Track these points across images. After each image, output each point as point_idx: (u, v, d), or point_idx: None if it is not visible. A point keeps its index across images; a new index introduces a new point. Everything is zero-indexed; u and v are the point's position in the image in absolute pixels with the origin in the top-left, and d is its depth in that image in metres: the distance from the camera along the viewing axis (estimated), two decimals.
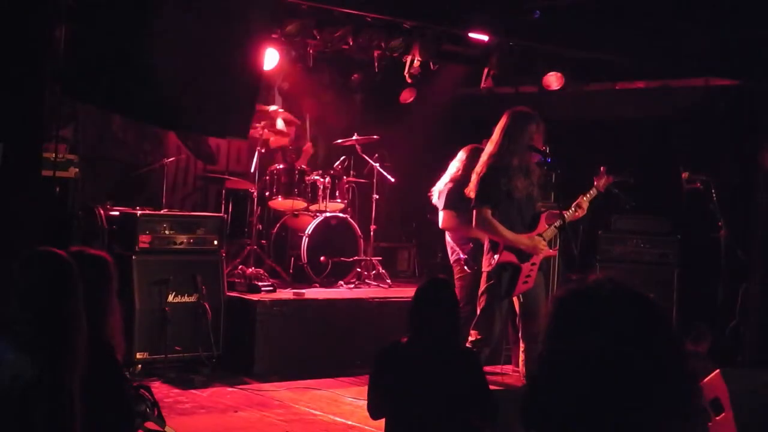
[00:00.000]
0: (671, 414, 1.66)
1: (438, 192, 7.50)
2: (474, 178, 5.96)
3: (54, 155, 6.87)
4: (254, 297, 7.53)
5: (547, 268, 6.19)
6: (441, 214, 7.45)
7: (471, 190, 5.96)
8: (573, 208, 6.05)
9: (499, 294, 5.87)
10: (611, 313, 1.72)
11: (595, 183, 6.15)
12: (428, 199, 7.67)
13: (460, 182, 6.92)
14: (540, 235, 5.93)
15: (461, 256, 7.41)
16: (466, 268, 7.33)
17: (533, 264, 5.89)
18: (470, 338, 5.89)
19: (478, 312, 5.95)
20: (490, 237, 5.95)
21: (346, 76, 9.99)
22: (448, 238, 7.57)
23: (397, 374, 4.06)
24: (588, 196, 6.10)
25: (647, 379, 1.65)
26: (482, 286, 5.98)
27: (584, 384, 1.65)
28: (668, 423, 1.66)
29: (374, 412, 4.17)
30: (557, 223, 5.94)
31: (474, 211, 5.90)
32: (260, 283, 7.83)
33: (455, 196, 7.10)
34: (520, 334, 6.15)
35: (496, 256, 5.85)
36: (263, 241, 8.66)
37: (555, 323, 1.77)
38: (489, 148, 5.98)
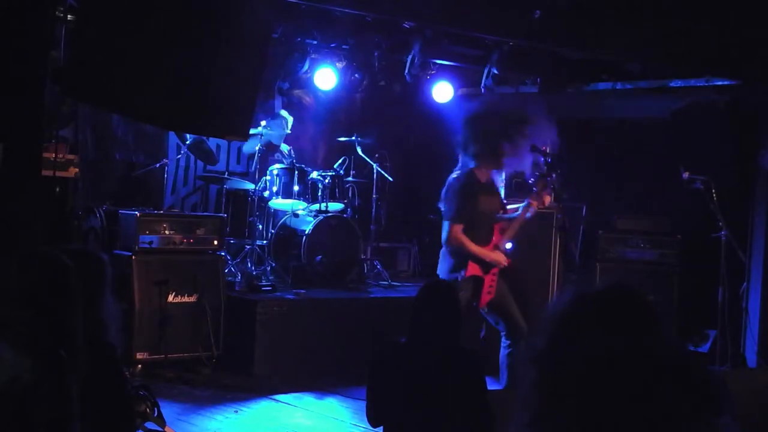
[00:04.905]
0: (683, 413, 1.66)
1: None
2: (447, 188, 6.02)
3: (54, 155, 6.87)
4: (254, 297, 7.54)
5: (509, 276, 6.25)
6: None
7: (443, 201, 6.02)
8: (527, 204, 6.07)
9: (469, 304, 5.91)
10: (613, 315, 1.74)
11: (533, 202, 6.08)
12: (428, 199, 7.64)
13: None
14: (497, 246, 6.00)
15: None
16: None
17: (494, 275, 6.02)
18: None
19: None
20: (457, 250, 5.97)
21: (347, 76, 9.98)
22: None
23: (395, 376, 4.02)
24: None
25: (650, 379, 1.65)
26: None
27: (587, 385, 1.66)
28: (680, 422, 1.66)
29: (373, 419, 4.08)
30: (513, 233, 6.01)
31: (446, 223, 5.94)
32: (260, 283, 7.83)
33: None
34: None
35: (463, 271, 5.90)
36: (263, 241, 8.67)
37: (557, 326, 1.77)
38: (462, 157, 6.08)
